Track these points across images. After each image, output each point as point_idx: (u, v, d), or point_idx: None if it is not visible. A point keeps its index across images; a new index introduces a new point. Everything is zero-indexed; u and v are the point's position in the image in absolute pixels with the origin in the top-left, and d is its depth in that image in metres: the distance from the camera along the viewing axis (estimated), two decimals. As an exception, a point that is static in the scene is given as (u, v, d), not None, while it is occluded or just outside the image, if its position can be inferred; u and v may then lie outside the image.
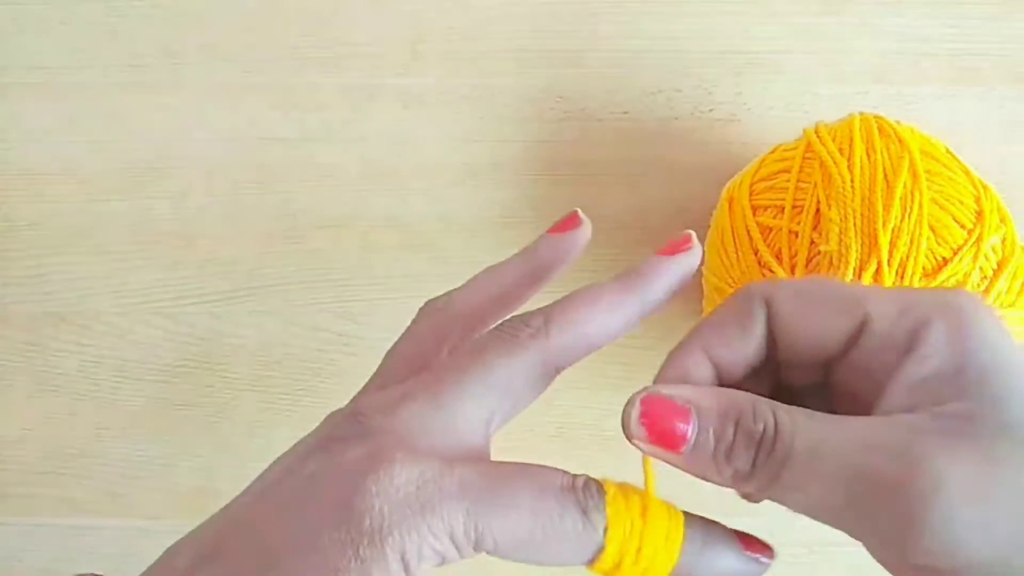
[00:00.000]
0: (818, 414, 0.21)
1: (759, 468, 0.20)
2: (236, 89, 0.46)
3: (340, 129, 0.46)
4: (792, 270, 0.35)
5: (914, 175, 0.35)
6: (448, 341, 0.25)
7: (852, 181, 0.35)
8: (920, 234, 0.34)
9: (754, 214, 0.37)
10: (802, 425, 0.20)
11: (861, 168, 0.35)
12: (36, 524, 0.47)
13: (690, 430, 0.21)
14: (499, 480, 0.21)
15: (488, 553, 0.21)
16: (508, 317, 0.24)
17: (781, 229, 0.36)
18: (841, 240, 0.34)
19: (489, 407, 0.22)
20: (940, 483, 0.18)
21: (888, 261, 0.33)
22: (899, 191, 0.34)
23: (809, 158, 0.37)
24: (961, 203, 0.35)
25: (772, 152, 0.39)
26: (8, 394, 0.47)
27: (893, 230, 0.34)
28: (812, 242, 0.35)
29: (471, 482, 0.20)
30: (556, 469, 0.22)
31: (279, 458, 0.23)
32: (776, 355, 0.23)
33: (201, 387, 0.47)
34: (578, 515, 0.21)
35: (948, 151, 0.38)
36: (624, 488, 0.22)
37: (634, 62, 0.45)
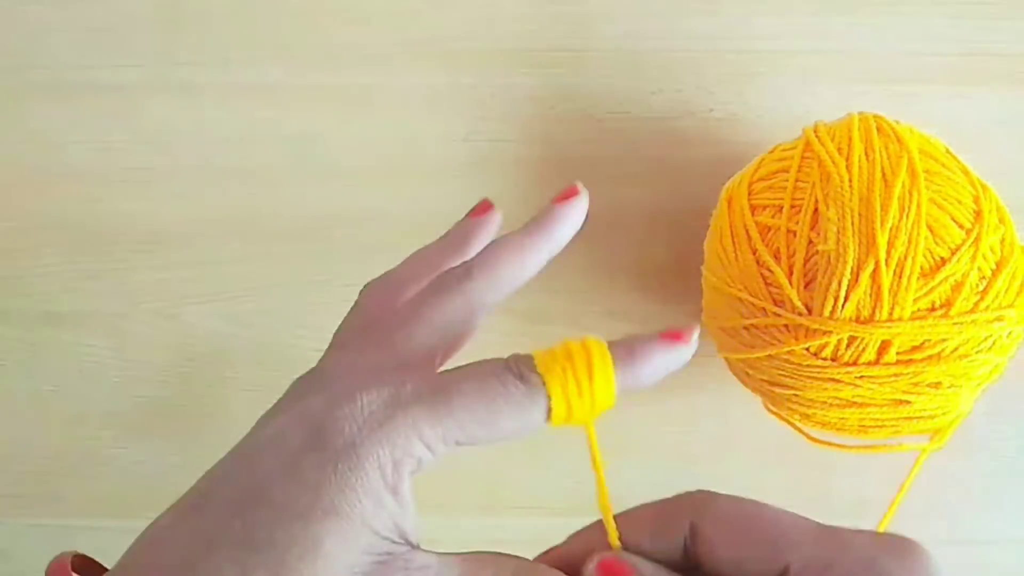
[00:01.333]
0: None
1: None
2: (236, 89, 0.46)
3: (340, 129, 0.46)
4: (790, 269, 0.35)
5: (912, 175, 0.35)
6: (390, 310, 0.28)
7: (850, 180, 0.35)
8: (918, 234, 0.33)
9: (753, 213, 0.37)
10: None
11: (859, 168, 0.35)
12: (35, 524, 0.47)
13: None
14: (446, 379, 0.23)
15: (458, 443, 0.23)
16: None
17: (779, 228, 0.36)
18: (839, 240, 0.34)
19: (433, 344, 0.26)
20: None
21: (886, 261, 0.33)
22: (897, 191, 0.34)
23: (808, 157, 0.37)
24: (960, 203, 0.35)
25: (771, 152, 0.39)
26: (8, 394, 0.47)
27: (891, 230, 0.34)
28: (810, 242, 0.35)
29: (423, 387, 0.23)
30: (494, 358, 0.24)
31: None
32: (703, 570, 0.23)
33: (201, 387, 0.47)
34: (517, 380, 0.23)
35: (947, 151, 0.38)
36: (549, 349, 0.24)
37: (634, 62, 0.45)
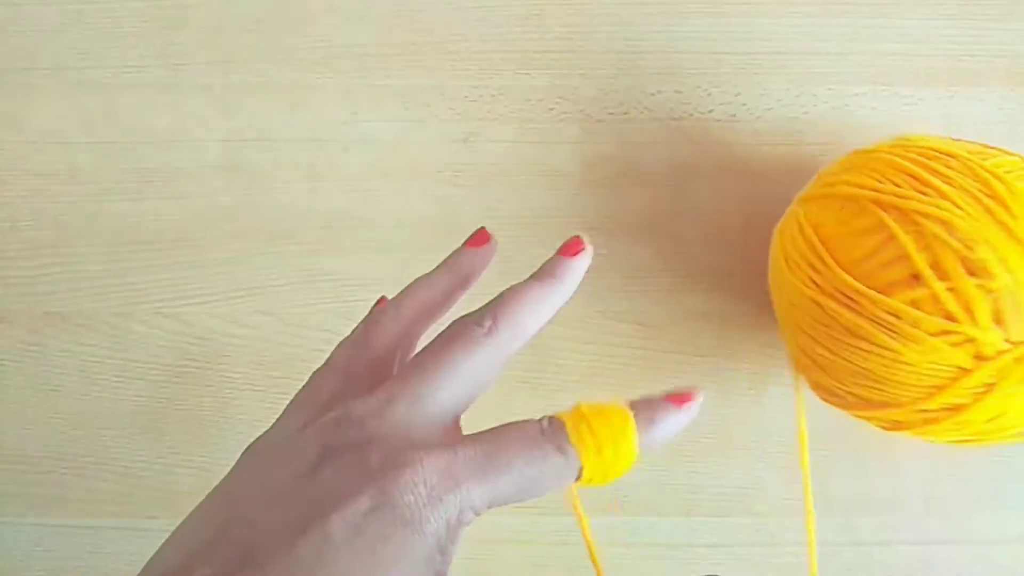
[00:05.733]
0: None
1: None
2: (237, 89, 0.46)
3: (339, 129, 0.46)
4: (972, 315, 0.34)
5: (998, 178, 0.34)
6: (398, 343, 0.30)
7: (967, 213, 0.34)
8: None
9: (883, 293, 0.35)
10: None
11: (959, 197, 0.34)
12: (35, 524, 0.47)
13: None
14: (491, 448, 0.25)
15: (499, 504, 0.25)
16: (460, 317, 0.28)
17: (938, 291, 0.34)
18: (1006, 266, 0.33)
19: (458, 398, 0.27)
20: None
21: None
22: (1004, 195, 0.34)
23: (901, 219, 0.35)
24: None
25: (810, 219, 0.38)
26: (8, 394, 0.47)
27: None
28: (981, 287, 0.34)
29: (473, 458, 0.24)
30: (526, 421, 0.26)
31: (267, 460, 0.25)
32: None
33: (201, 387, 0.47)
34: (557, 453, 0.25)
35: (976, 145, 0.38)
36: (576, 412, 0.26)
37: (634, 62, 0.45)
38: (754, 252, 0.44)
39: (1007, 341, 0.33)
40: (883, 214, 0.35)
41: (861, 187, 0.36)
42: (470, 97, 0.46)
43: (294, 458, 0.25)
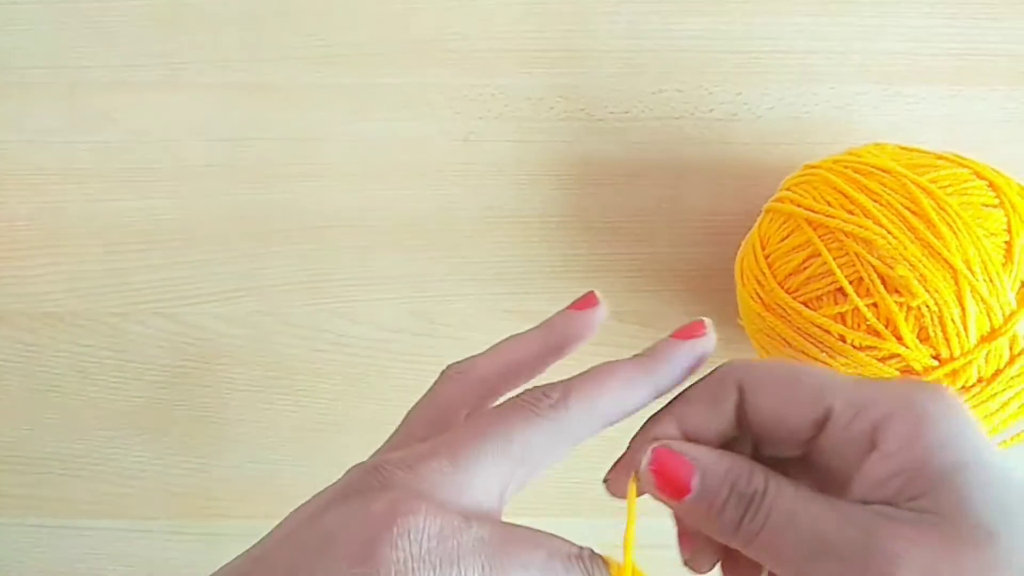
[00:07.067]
0: (802, 487, 0.22)
1: (743, 526, 0.22)
2: (236, 89, 0.46)
3: (340, 129, 0.46)
4: (898, 335, 0.34)
5: (925, 190, 0.34)
6: (467, 405, 0.27)
7: (889, 233, 0.34)
8: (977, 236, 0.33)
9: (808, 306, 0.36)
10: (784, 494, 0.22)
11: (883, 215, 0.34)
12: (35, 525, 0.47)
13: (693, 483, 0.23)
14: (512, 540, 0.22)
15: None
16: (528, 387, 0.25)
17: (856, 308, 0.35)
18: (926, 284, 0.33)
19: (505, 472, 0.23)
20: (898, 564, 0.20)
21: (974, 275, 0.33)
22: (931, 213, 0.34)
23: (826, 236, 0.36)
24: (973, 192, 0.35)
25: (760, 245, 0.38)
26: (7, 394, 0.47)
27: (957, 248, 0.33)
28: (900, 304, 0.34)
29: (487, 539, 0.21)
30: (565, 539, 0.23)
31: (297, 509, 0.24)
32: (752, 431, 0.25)
33: (200, 387, 0.47)
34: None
35: (911, 150, 0.38)
36: (622, 569, 0.23)
37: (634, 62, 0.45)
38: (755, 252, 0.44)
39: (935, 358, 0.34)
40: (811, 232, 0.36)
41: (797, 204, 0.37)
42: (470, 96, 0.45)
43: (313, 503, 0.23)
